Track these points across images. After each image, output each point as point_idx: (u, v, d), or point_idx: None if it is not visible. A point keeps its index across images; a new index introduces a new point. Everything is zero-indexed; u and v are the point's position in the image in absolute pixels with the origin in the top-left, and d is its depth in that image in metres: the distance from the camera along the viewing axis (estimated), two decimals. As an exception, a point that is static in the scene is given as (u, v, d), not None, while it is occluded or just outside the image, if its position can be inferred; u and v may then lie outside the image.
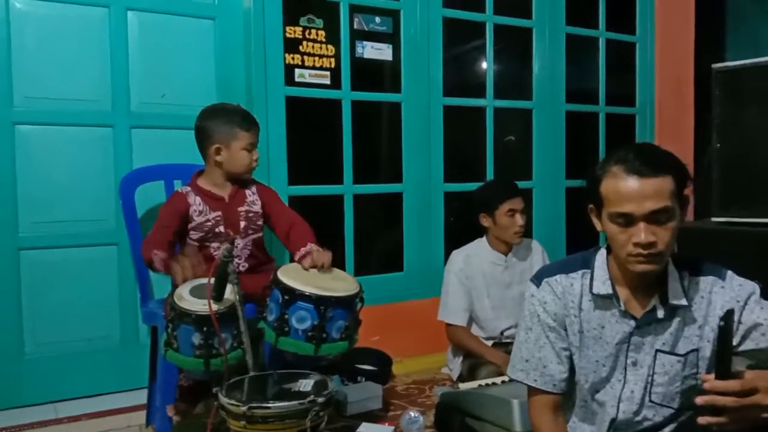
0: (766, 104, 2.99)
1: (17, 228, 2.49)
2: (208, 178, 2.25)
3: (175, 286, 1.98)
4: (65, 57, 2.54)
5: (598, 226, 1.43)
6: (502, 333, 2.68)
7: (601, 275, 1.45)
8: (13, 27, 2.45)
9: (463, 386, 2.25)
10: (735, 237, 2.96)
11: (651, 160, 1.33)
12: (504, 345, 2.60)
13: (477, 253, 2.71)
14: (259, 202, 2.30)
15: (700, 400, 1.19)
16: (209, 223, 2.20)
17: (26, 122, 2.49)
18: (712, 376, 1.21)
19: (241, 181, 2.29)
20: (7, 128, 2.45)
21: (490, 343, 2.65)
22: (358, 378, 2.69)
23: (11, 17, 2.44)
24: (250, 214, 2.27)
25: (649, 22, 3.88)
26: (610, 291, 1.43)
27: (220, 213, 2.21)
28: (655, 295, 1.42)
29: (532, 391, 1.52)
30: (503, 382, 2.17)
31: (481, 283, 2.69)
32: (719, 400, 1.17)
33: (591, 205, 1.43)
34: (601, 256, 1.48)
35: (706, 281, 1.44)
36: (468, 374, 2.60)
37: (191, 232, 2.20)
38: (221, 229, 2.20)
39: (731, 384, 1.17)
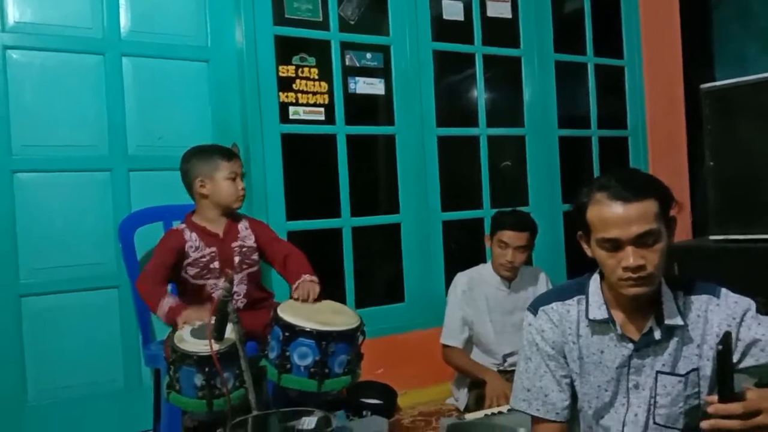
0: (755, 121, 3.02)
1: (18, 275, 2.50)
2: (200, 215, 2.26)
3: (175, 327, 1.98)
4: (62, 104, 2.58)
5: (588, 252, 1.44)
6: (504, 359, 2.66)
7: (596, 300, 1.46)
8: (10, 77, 2.49)
9: (470, 416, 2.23)
10: (733, 254, 2.96)
11: (633, 185, 1.35)
12: (506, 373, 2.58)
13: (481, 276, 2.71)
14: (252, 237, 2.31)
15: (705, 424, 1.20)
16: (204, 259, 2.21)
17: (25, 170, 2.52)
18: (716, 398, 1.21)
19: (233, 216, 2.30)
20: (6, 177, 2.47)
21: (494, 368, 2.63)
22: (363, 412, 2.67)
23: (8, 68, 2.49)
24: (244, 249, 2.27)
25: (636, 46, 3.93)
26: (606, 315, 1.44)
27: (215, 249, 2.22)
28: (651, 317, 1.42)
29: (536, 420, 1.51)
30: (509, 410, 2.15)
31: (484, 307, 2.69)
32: (724, 424, 1.18)
33: (580, 232, 1.45)
34: (595, 281, 1.48)
35: (700, 300, 1.45)
36: (474, 405, 2.58)
37: (188, 268, 2.20)
38: (216, 264, 2.21)
39: (735, 407, 1.18)
